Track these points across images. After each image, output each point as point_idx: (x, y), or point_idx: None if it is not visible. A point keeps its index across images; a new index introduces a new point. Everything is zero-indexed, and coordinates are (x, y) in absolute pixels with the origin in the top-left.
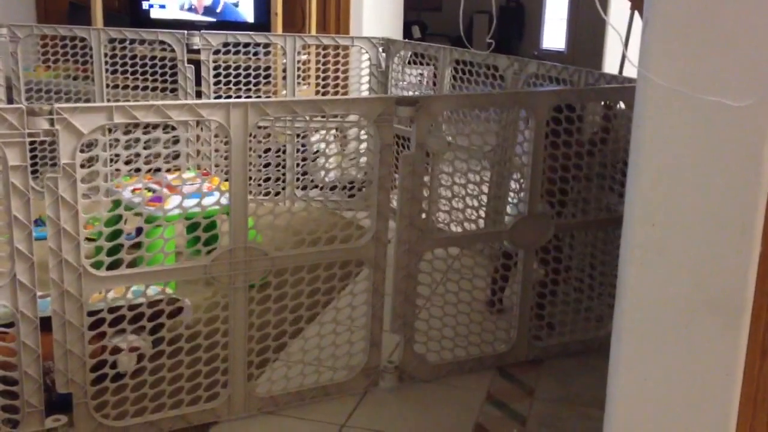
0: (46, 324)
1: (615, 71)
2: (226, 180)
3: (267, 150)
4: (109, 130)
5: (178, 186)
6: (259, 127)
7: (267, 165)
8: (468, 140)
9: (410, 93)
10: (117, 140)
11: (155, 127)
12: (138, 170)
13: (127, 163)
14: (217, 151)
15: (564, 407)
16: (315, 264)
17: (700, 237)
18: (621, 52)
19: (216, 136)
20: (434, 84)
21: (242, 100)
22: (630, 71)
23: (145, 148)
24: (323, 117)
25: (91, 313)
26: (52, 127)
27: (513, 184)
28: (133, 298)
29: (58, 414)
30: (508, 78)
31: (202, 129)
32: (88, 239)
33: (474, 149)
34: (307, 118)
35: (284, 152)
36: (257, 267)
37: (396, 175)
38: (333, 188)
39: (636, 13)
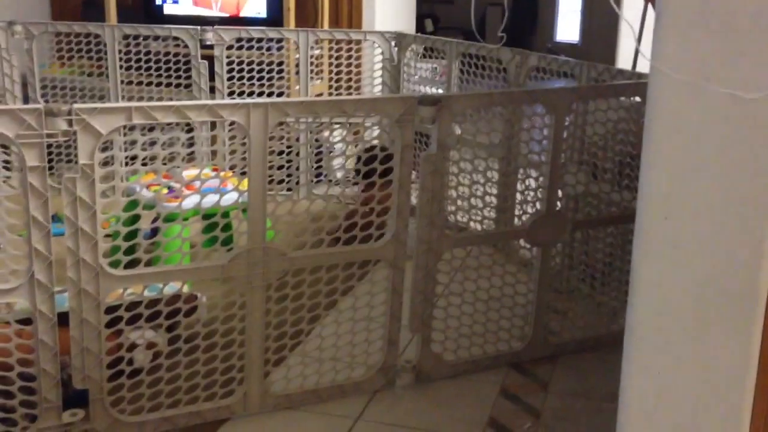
0: (62, 319)
1: (629, 63)
2: (242, 174)
3: (281, 152)
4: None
5: (194, 182)
6: (280, 124)
7: (281, 167)
8: (488, 138)
9: (422, 87)
10: (131, 138)
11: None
12: (149, 164)
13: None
14: (233, 153)
15: (577, 401)
16: (333, 264)
17: (713, 231)
18: (634, 44)
19: (232, 138)
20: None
21: (262, 100)
22: (643, 64)
23: (152, 144)
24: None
25: (108, 310)
26: (70, 127)
27: (531, 182)
28: (149, 295)
29: (74, 408)
30: (511, 71)
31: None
32: (107, 236)
33: (487, 145)
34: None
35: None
36: (275, 267)
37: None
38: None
39: (650, 5)
